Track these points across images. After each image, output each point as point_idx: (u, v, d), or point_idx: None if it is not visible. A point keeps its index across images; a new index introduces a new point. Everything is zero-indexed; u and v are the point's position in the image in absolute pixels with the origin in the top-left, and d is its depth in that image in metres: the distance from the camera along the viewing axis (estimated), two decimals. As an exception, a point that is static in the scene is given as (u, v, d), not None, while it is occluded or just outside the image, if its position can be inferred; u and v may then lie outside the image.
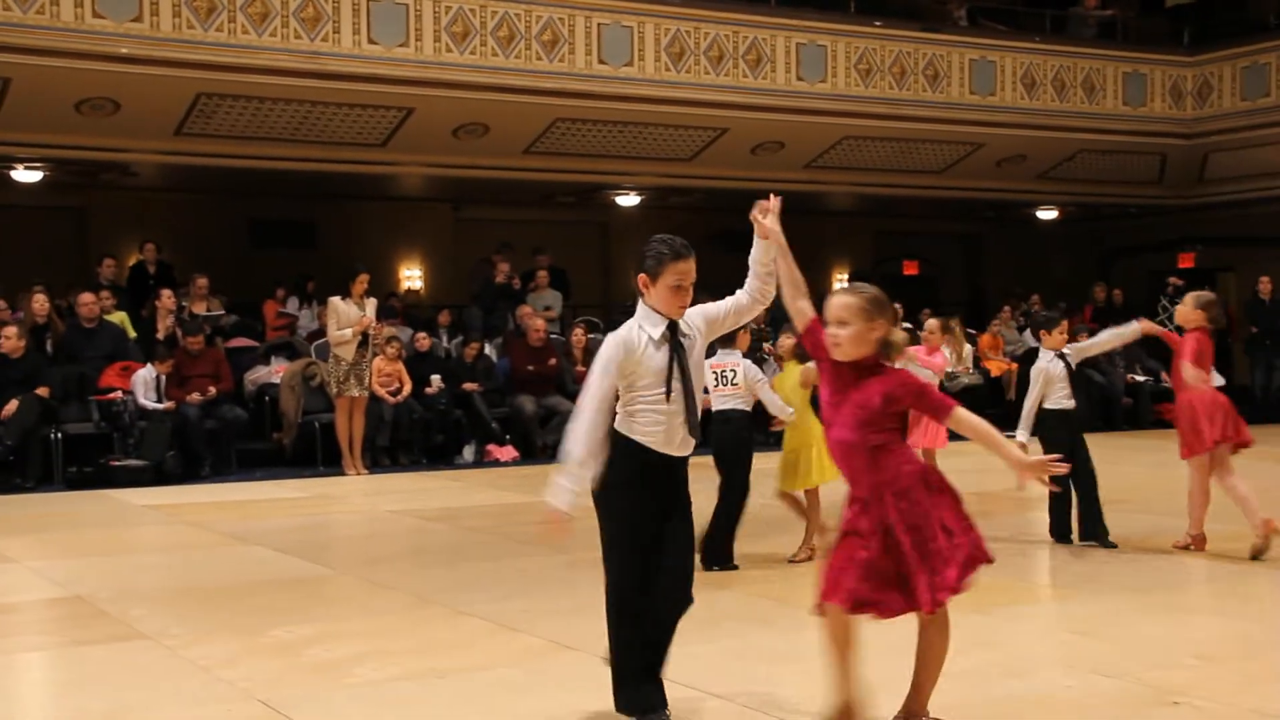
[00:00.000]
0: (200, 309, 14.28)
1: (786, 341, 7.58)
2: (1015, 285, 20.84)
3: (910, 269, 22.57)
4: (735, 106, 16.37)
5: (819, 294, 4.37)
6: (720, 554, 6.95)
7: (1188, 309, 7.17)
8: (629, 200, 19.07)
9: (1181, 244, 21.47)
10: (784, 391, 7.03)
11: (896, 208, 21.13)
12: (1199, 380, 7.08)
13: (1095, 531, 7.54)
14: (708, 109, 16.29)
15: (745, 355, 7.19)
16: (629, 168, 17.44)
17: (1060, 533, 7.67)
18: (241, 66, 13.59)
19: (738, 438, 7.00)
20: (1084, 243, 23.03)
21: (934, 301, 20.80)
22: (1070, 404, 7.54)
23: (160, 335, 13.29)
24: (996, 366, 17.10)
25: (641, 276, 4.18)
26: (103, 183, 16.14)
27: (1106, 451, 13.75)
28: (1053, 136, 18.41)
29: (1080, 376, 7.75)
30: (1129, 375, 16.72)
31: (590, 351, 14.58)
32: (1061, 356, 7.64)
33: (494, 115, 15.54)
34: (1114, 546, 7.45)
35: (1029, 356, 17.14)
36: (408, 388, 13.55)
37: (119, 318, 13.61)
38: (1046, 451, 7.38)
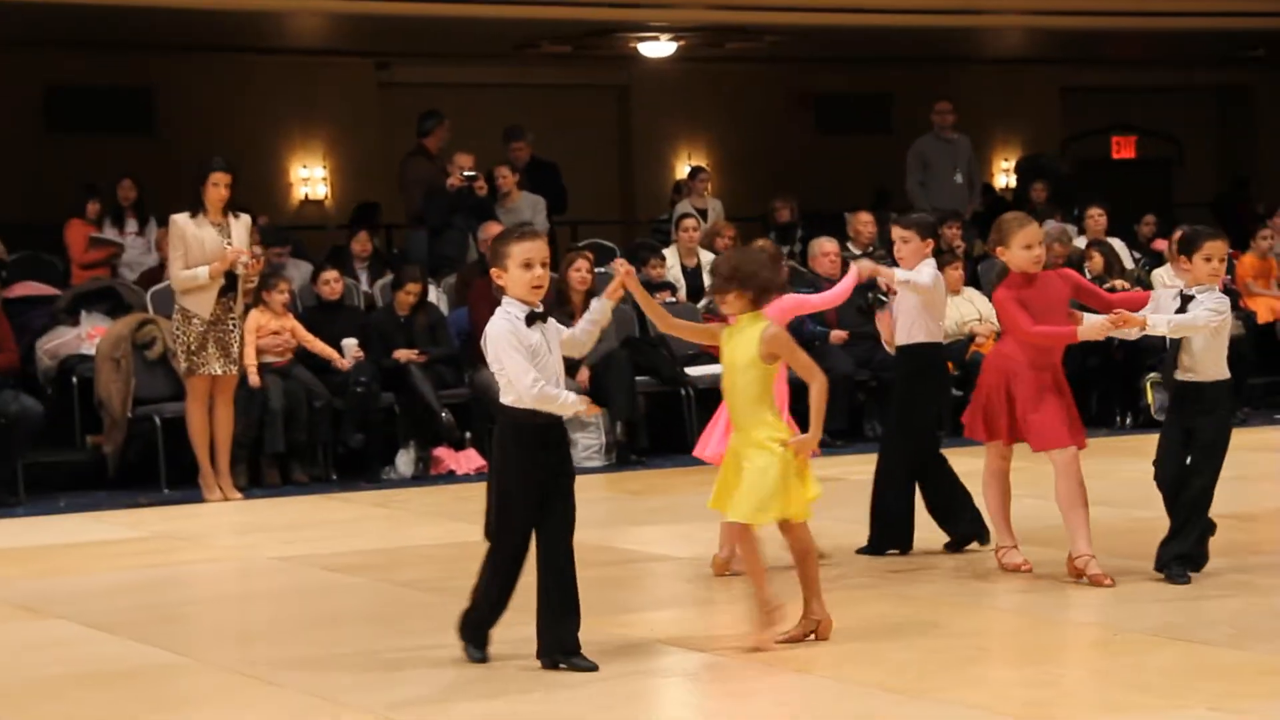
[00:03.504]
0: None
1: None
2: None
3: (1124, 149, 22.33)
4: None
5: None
6: None
7: None
8: (659, 49, 18.93)
9: None
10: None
11: (1097, 49, 20.90)
12: None
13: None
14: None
15: None
16: (659, -5, 17.36)
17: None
18: None
19: None
20: None
21: (1163, 202, 20.54)
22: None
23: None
24: (1267, 306, 16.87)
25: None
26: None
27: None
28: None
29: None
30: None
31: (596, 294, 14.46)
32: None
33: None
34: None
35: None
36: (319, 352, 13.48)
37: None
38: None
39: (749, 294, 7.03)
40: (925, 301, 9.22)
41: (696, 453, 9.04)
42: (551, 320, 6.94)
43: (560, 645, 6.84)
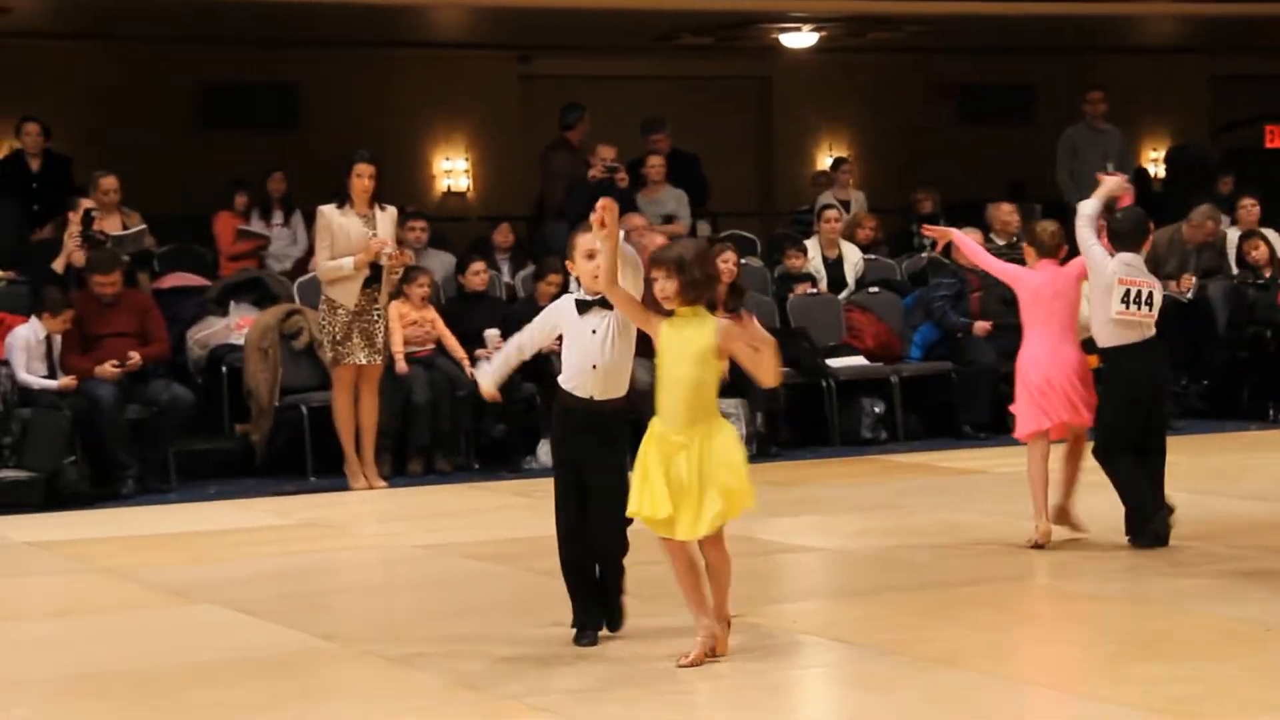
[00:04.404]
0: (112, 227, 14.42)
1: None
2: None
3: (1277, 139, 21.95)
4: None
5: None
6: None
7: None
8: (800, 40, 18.81)
9: None
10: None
11: (1248, 36, 20.52)
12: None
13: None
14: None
15: None
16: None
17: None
18: None
19: None
20: None
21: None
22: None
23: (60, 268, 13.45)
24: None
25: None
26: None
27: None
28: None
29: None
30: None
31: (739, 288, 14.37)
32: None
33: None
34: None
35: None
36: (453, 350, 13.54)
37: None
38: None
39: (694, 287, 6.74)
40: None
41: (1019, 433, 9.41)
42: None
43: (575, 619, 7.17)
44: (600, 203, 6.78)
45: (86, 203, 13.66)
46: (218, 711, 6.42)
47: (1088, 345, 9.37)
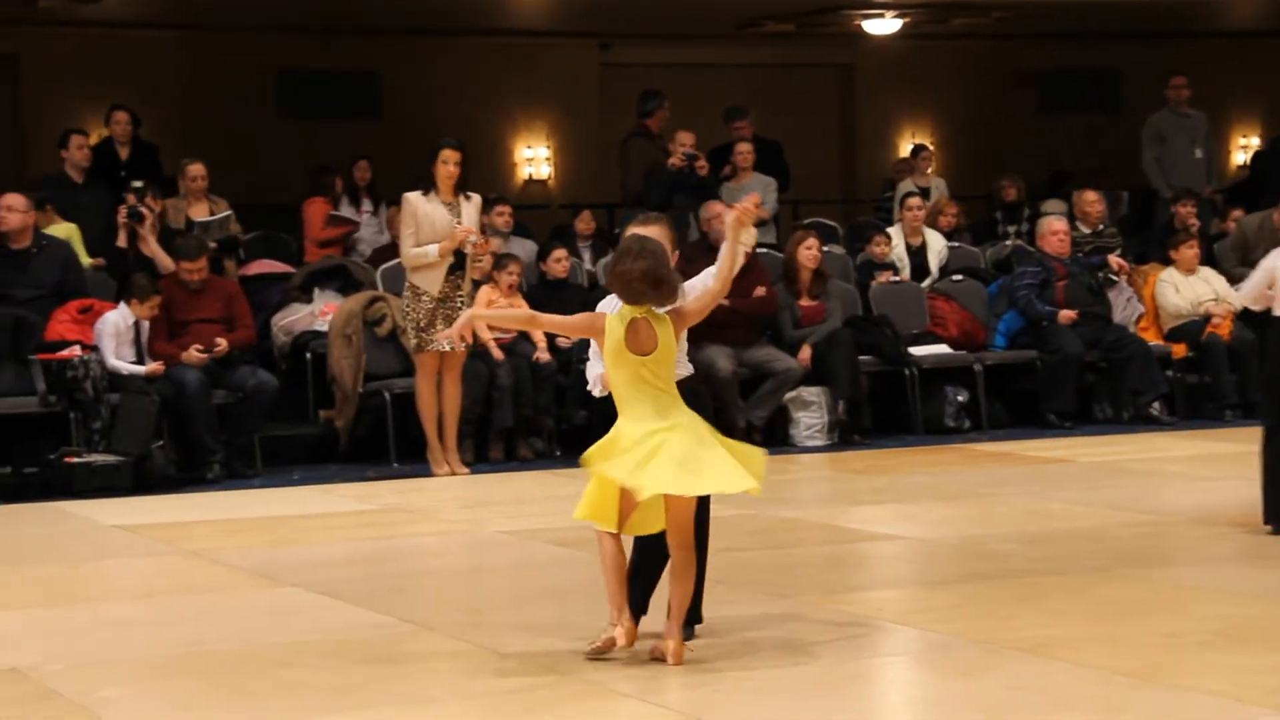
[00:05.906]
0: (199, 214, 14.52)
1: None
2: None
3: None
4: None
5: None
6: None
7: None
8: (884, 27, 18.73)
9: None
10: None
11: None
12: None
13: None
14: None
15: None
16: (884, -27, 17.21)
17: None
18: None
19: None
20: None
21: None
22: None
23: (123, 242, 13.50)
24: None
25: None
26: (44, 15, 16.52)
27: None
28: None
29: None
30: None
31: (822, 276, 14.35)
32: None
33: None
34: None
35: None
36: (537, 339, 13.53)
37: (65, 231, 13.83)
38: None
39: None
40: None
41: None
42: None
43: None
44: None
45: (132, 198, 13.71)
46: (302, 692, 6.48)
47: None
